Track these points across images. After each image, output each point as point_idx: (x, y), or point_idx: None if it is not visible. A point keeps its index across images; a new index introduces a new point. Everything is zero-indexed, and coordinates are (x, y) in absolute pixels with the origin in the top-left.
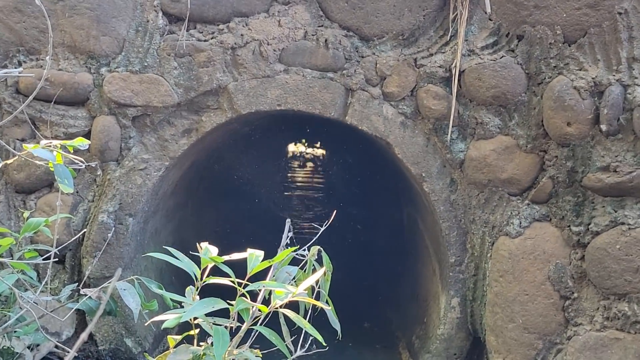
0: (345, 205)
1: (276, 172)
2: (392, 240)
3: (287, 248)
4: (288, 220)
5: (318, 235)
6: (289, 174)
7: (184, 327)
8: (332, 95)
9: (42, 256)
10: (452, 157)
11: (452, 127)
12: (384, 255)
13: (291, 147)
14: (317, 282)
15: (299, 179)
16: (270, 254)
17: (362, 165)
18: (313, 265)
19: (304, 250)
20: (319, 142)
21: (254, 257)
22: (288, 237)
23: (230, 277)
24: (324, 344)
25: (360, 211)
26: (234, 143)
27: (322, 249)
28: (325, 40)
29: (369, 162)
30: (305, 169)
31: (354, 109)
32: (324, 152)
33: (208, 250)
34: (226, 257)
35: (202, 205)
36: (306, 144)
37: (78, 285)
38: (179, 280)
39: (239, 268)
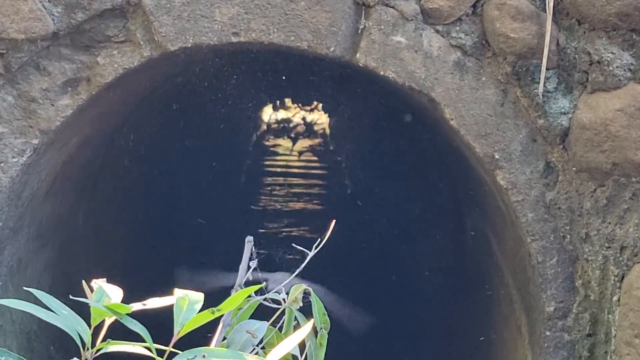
0: (362, 214)
1: (241, 157)
2: (445, 274)
3: (247, 287)
4: (249, 238)
5: (306, 262)
6: (266, 161)
7: None
8: (330, 15)
9: None
10: (547, 123)
11: (548, 70)
12: (430, 302)
13: (268, 114)
14: (302, 346)
15: (282, 167)
16: (218, 298)
17: (389, 141)
18: (295, 318)
19: (279, 292)
20: (314, 103)
21: (184, 304)
22: (249, 268)
23: (143, 340)
24: None
25: (388, 226)
26: (159, 105)
27: (311, 290)
28: None
29: (400, 135)
30: (291, 153)
31: (370, 39)
32: (323, 119)
33: (104, 294)
34: (136, 306)
35: (104, 215)
36: (293, 107)
37: None
38: (62, 352)
39: (163, 324)
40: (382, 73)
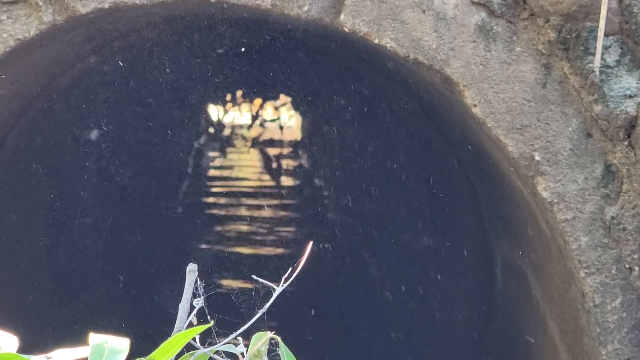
0: (353, 248)
1: (176, 174)
2: (466, 329)
3: (192, 327)
4: (191, 267)
5: (274, 296)
6: (212, 182)
7: None
8: None
9: None
10: (606, 111)
11: (607, 36)
12: None
13: (215, 112)
14: None
15: (235, 191)
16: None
17: (388, 143)
18: None
19: (235, 342)
20: (280, 97)
21: (103, 353)
22: (192, 310)
23: None
24: None
25: (387, 262)
26: (65, 96)
27: (279, 339)
28: None
29: (400, 132)
30: (253, 167)
31: None
32: (295, 119)
33: None
34: (37, 358)
35: None
36: (249, 103)
37: None
38: None
39: None
40: (376, 41)
